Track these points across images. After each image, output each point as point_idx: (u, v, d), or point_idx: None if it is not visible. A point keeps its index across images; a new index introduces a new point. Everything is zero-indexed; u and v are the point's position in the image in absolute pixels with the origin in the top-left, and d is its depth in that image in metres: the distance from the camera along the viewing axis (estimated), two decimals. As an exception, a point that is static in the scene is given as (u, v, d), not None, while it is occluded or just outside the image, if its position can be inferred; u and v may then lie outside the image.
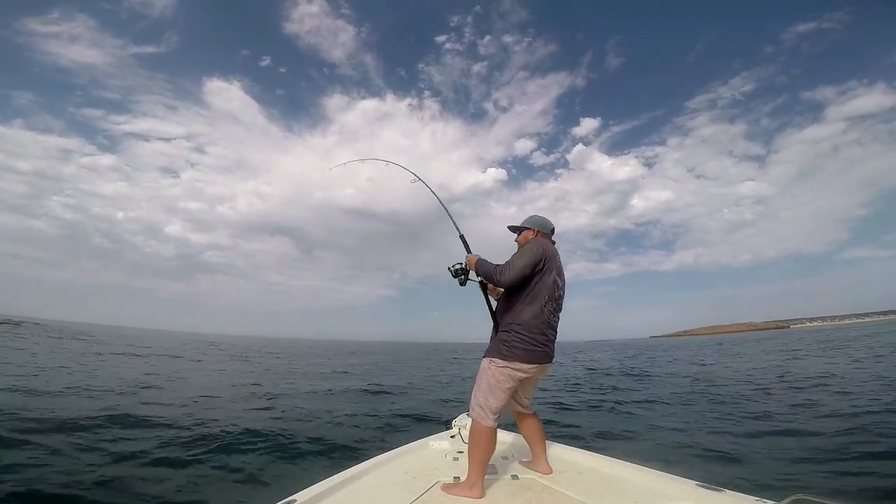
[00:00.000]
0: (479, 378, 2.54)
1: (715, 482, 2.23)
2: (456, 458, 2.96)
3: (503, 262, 2.56)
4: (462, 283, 2.91)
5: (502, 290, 2.71)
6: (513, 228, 2.89)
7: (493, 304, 2.87)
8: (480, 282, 2.86)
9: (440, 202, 3.45)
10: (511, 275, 2.45)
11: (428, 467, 2.79)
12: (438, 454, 3.06)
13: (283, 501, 2.08)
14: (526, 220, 2.83)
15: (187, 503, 3.60)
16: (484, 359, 2.56)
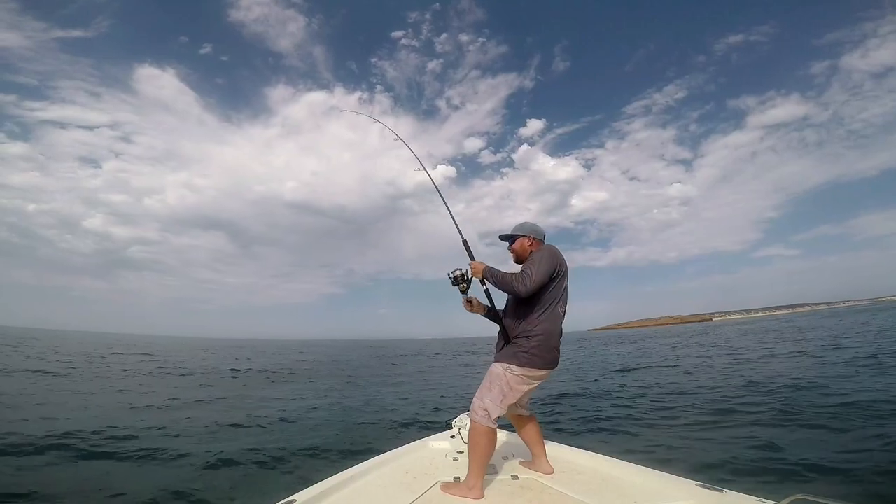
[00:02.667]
0: (489, 383, 2.53)
1: (715, 482, 2.29)
2: (456, 458, 2.97)
3: (517, 272, 2.54)
4: (463, 292, 2.78)
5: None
6: (505, 237, 2.84)
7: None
8: (486, 291, 2.76)
9: (446, 206, 3.17)
10: (534, 284, 2.44)
11: (428, 467, 2.80)
12: (438, 454, 3.07)
13: (283, 501, 2.07)
14: (517, 227, 2.81)
15: None
16: (497, 364, 2.55)
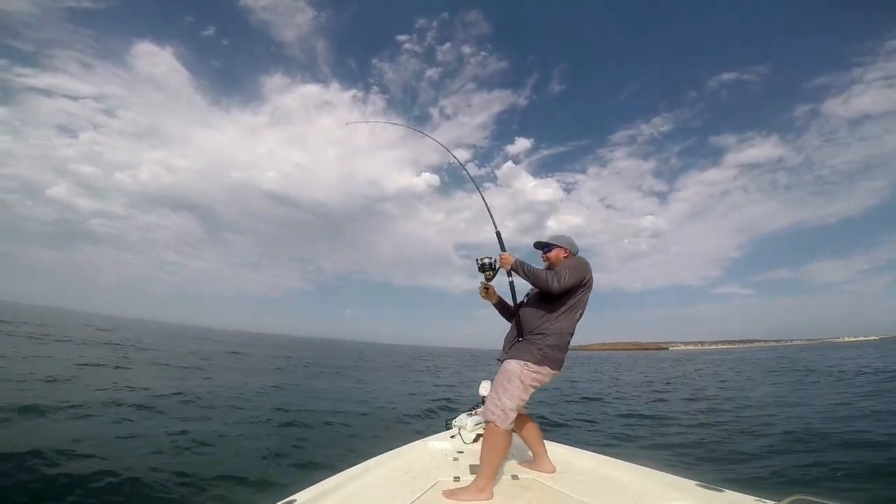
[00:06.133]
0: (504, 381, 2.55)
1: (715, 482, 2.36)
2: (456, 459, 2.99)
3: (552, 270, 2.59)
4: (488, 279, 2.83)
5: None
6: (540, 245, 2.90)
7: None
8: (510, 283, 2.81)
9: (481, 195, 3.18)
10: (566, 283, 2.52)
11: (428, 467, 2.81)
12: (438, 454, 3.08)
13: (283, 501, 2.07)
14: (555, 237, 2.87)
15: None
16: (512, 361, 2.58)
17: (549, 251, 2.86)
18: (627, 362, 41.95)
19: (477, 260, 2.81)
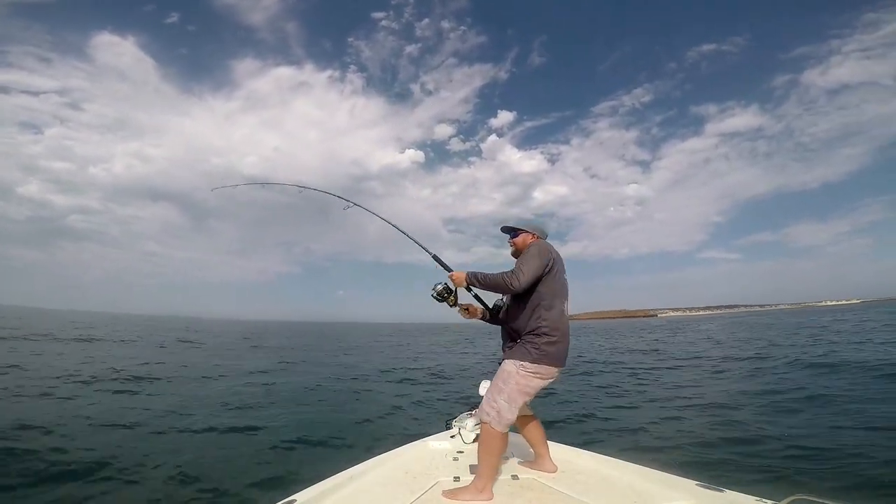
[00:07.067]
0: (501, 382, 2.48)
1: (715, 482, 2.35)
2: (456, 458, 2.97)
3: (508, 270, 2.51)
4: (452, 305, 2.77)
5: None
6: (507, 229, 2.84)
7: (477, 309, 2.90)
8: (475, 296, 2.80)
9: (399, 229, 3.24)
10: (526, 277, 2.43)
11: (428, 467, 2.80)
12: (438, 454, 3.06)
13: (283, 501, 2.06)
14: (524, 222, 2.81)
15: None
16: (508, 361, 2.50)
17: (516, 236, 2.79)
18: (620, 330, 42.49)
19: (432, 293, 2.75)
